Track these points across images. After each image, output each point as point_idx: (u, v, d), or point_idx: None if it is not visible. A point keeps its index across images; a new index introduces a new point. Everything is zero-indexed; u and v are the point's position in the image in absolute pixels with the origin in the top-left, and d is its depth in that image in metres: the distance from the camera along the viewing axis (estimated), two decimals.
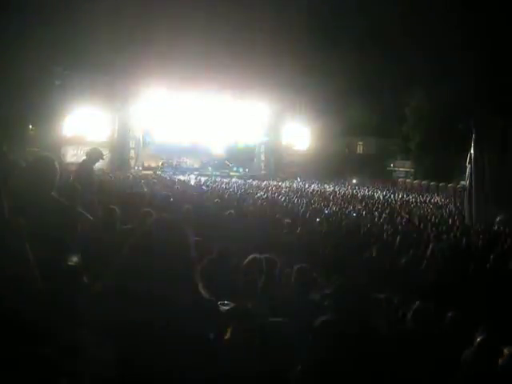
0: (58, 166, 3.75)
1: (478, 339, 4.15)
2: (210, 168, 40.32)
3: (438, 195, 31.09)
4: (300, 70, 37.16)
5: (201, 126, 39.69)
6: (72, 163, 31.41)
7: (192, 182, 27.08)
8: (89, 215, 5.77)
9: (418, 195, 30.12)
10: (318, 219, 14.17)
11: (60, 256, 2.89)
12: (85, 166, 8.84)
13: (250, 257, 5.16)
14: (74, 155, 33.63)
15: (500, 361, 3.96)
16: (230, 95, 39.21)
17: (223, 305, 4.37)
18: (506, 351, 3.97)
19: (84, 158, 8.94)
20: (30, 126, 34.18)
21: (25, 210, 2.94)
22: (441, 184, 37.63)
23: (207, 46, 36.67)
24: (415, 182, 41.80)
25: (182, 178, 30.54)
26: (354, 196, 26.09)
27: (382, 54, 41.45)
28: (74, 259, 3.02)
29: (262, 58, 36.52)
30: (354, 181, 39.16)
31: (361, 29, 40.78)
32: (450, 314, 5.15)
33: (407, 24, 38.22)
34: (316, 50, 39.44)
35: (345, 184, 35.60)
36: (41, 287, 2.33)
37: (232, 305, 4.29)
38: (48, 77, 33.63)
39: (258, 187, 26.71)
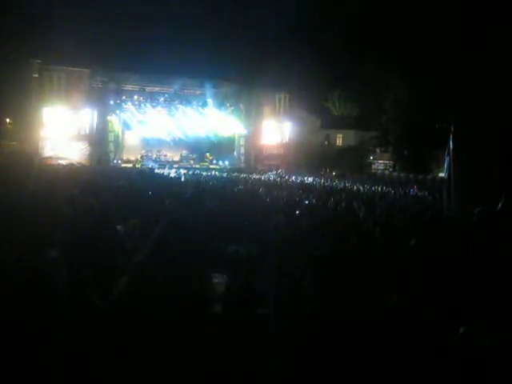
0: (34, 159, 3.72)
1: (463, 328, 4.19)
2: (190, 161, 40.28)
3: (416, 187, 31.15)
4: (280, 62, 37.08)
5: (180, 119, 39.63)
6: (50, 157, 31.24)
7: (171, 175, 26.99)
8: None
9: (397, 187, 30.20)
10: (297, 211, 14.17)
11: (39, 248, 2.87)
12: None
13: (229, 248, 5.17)
14: (51, 149, 33.36)
15: (484, 349, 4.02)
16: (209, 86, 39.15)
17: (214, 277, 4.45)
18: (489, 340, 4.03)
19: None
20: (8, 120, 33.73)
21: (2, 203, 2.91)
22: (420, 176, 37.85)
23: (185, 36, 36.58)
24: (394, 174, 42.00)
25: (161, 170, 30.43)
26: (333, 188, 26.15)
27: (361, 46, 41.54)
28: (55, 252, 3.00)
29: (242, 51, 36.47)
30: (334, 173, 39.24)
31: (340, 23, 40.75)
32: (431, 304, 5.20)
33: (387, 17, 38.27)
34: (295, 42, 39.44)
35: (324, 176, 35.64)
36: (21, 279, 2.30)
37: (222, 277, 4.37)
38: (25, 70, 33.18)
39: (238, 179, 26.68)
